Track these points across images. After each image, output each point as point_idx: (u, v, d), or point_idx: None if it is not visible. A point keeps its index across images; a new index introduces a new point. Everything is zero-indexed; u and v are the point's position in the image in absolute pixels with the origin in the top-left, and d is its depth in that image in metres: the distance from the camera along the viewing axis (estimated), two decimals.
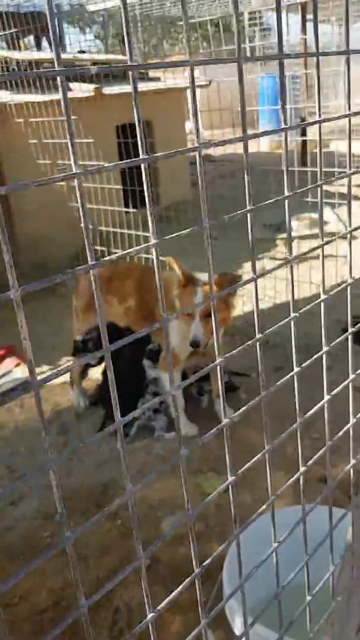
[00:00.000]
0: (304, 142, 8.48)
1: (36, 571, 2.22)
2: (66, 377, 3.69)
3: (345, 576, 1.26)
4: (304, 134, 6.10)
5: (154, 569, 2.21)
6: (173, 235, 0.71)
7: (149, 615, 0.74)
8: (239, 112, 0.72)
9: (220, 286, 2.84)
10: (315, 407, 0.99)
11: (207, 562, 0.84)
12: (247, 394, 3.47)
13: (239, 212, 0.76)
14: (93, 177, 4.63)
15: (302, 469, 0.99)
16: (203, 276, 2.97)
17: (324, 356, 1.02)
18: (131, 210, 4.39)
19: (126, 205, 5.01)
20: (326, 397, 1.04)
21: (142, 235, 4.45)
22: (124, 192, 5.28)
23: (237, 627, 1.68)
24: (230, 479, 0.83)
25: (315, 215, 5.97)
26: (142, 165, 0.65)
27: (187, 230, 0.72)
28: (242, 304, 4.57)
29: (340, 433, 1.10)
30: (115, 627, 2.04)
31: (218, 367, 0.78)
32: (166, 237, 0.68)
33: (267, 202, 0.84)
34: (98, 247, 4.86)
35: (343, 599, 1.22)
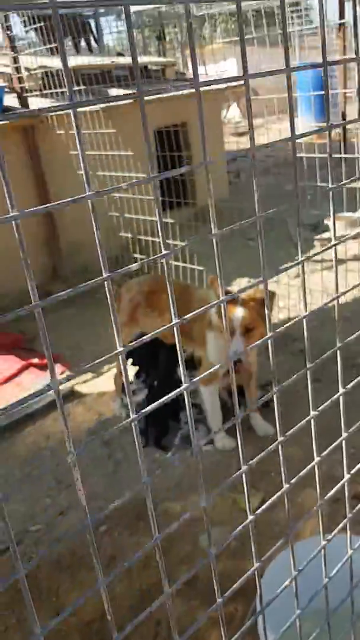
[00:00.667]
0: (344, 132, 8.40)
1: (83, 584, 2.40)
2: (112, 387, 3.85)
3: None
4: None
5: (193, 585, 2.35)
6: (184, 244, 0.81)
7: None
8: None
9: (256, 301, 2.91)
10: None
11: (237, 635, 0.95)
12: (284, 407, 3.54)
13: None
14: (132, 188, 4.73)
15: (324, 542, 1.09)
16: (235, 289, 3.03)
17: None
18: (169, 220, 4.49)
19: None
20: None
21: (180, 244, 4.56)
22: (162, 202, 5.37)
23: None
24: (256, 564, 0.95)
25: (355, 215, 5.92)
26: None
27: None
28: (278, 311, 4.62)
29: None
30: (157, 638, 2.20)
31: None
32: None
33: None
34: (137, 255, 5.00)
35: None
